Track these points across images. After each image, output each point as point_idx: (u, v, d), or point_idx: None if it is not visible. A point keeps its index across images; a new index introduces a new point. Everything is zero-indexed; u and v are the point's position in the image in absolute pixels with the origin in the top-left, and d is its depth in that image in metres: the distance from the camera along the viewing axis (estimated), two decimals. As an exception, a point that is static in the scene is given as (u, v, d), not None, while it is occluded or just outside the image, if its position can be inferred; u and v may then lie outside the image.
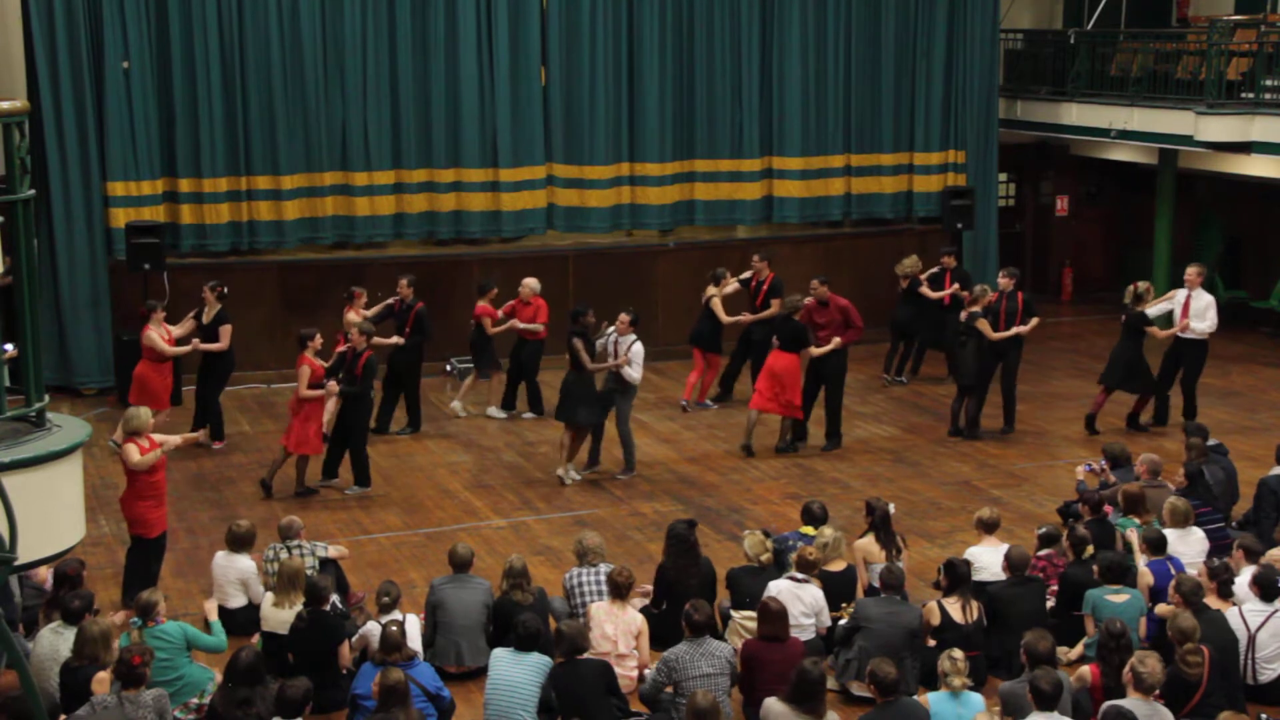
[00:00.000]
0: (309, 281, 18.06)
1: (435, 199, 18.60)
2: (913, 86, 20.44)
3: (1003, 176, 22.42)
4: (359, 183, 18.20)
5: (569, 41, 18.80)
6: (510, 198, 18.78)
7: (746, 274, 16.85)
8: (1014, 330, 15.22)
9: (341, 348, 13.94)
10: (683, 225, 19.83)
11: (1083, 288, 23.21)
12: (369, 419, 14.01)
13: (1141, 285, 15.67)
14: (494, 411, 16.44)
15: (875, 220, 20.76)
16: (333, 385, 13.44)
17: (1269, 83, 18.08)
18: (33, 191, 6.56)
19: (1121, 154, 21.74)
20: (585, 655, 8.95)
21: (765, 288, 16.52)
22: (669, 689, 9.02)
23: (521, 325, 16.01)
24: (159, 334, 14.53)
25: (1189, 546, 10.67)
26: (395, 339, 15.35)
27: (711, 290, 16.70)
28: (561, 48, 18.80)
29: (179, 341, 14.81)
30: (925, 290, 17.59)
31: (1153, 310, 15.68)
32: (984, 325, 15.12)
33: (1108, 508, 11.38)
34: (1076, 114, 20.92)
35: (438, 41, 18.25)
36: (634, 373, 13.90)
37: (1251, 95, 18.24)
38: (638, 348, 13.92)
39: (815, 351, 14.90)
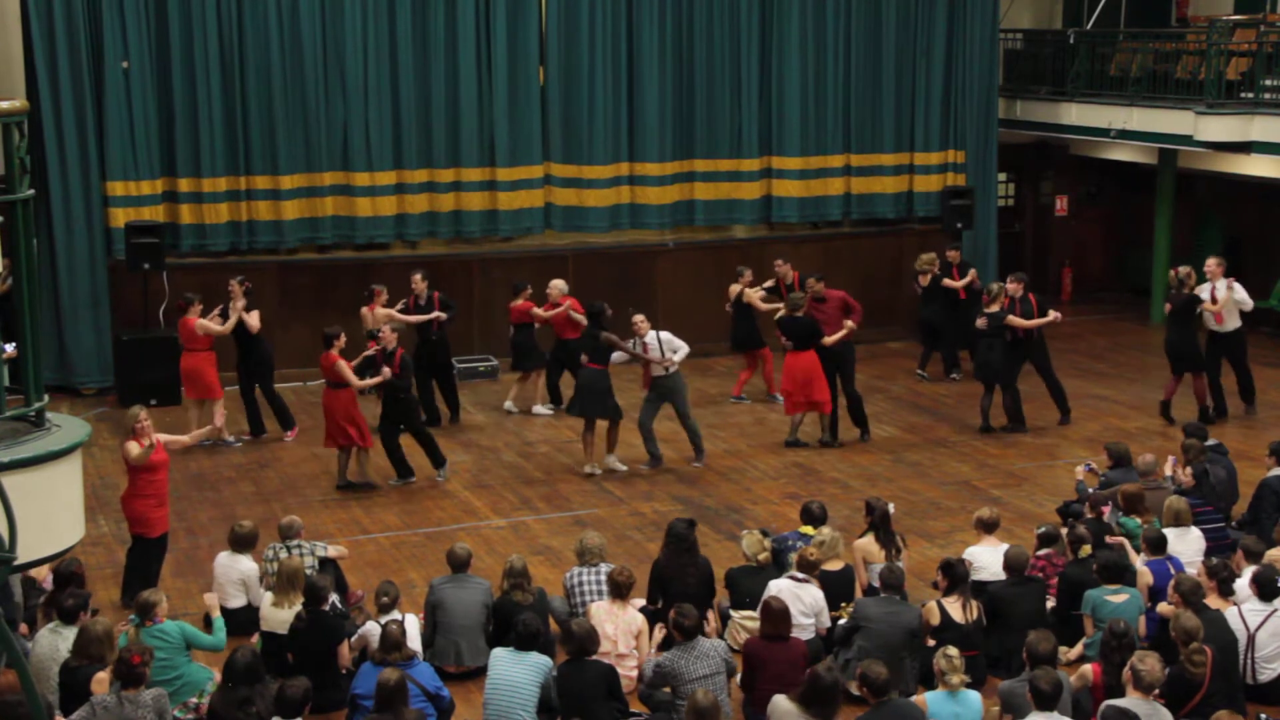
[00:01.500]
0: (309, 281, 18.07)
1: (435, 199, 18.61)
2: (913, 86, 20.44)
3: (1002, 176, 22.42)
4: (360, 183, 18.21)
5: (568, 41, 18.80)
6: (507, 197, 18.79)
7: (770, 282, 16.99)
8: (1042, 321, 15.41)
9: (371, 350, 13.97)
10: (682, 225, 19.84)
11: (1082, 288, 23.20)
12: (417, 412, 14.14)
13: (1183, 270, 15.79)
14: (540, 409, 16.52)
15: (875, 220, 20.77)
16: (386, 370, 13.55)
17: (1268, 83, 18.08)
18: (32, 191, 6.55)
19: (1121, 154, 21.74)
20: (590, 657, 8.95)
21: (796, 287, 16.67)
22: (666, 690, 9.03)
23: (575, 315, 15.82)
24: (208, 320, 14.88)
25: (1187, 546, 10.67)
26: (437, 314, 15.46)
27: (737, 287, 16.87)
28: (560, 47, 18.80)
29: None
30: (948, 281, 17.73)
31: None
32: (1014, 319, 15.23)
33: (1105, 509, 11.39)
34: (1076, 114, 20.92)
35: (437, 41, 18.25)
36: (679, 345, 14.20)
37: (1251, 95, 18.24)
38: (665, 334, 14.26)
39: (827, 341, 14.97)
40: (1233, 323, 15.71)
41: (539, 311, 16.13)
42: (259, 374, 15.39)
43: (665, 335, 14.27)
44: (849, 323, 15.14)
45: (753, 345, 17.03)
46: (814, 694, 8.17)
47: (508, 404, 16.63)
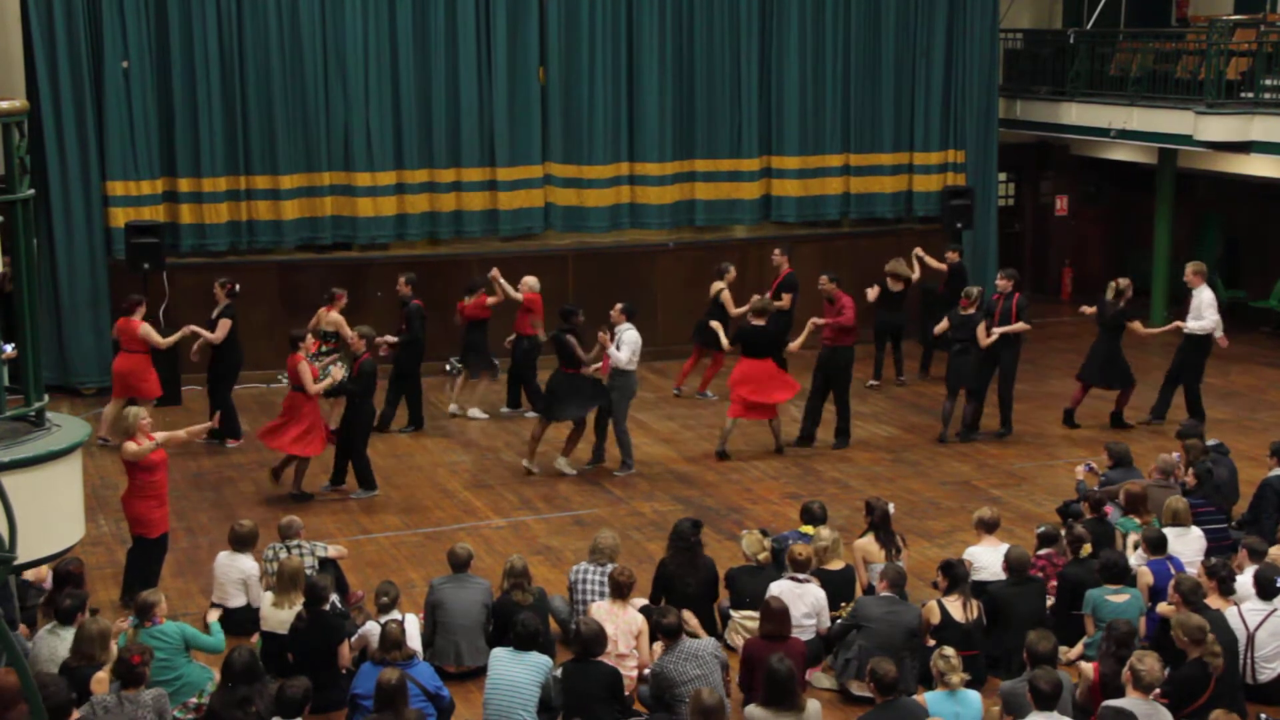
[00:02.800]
0: (309, 281, 18.05)
1: (436, 199, 18.61)
2: (912, 86, 20.43)
3: (1002, 176, 22.42)
4: (360, 183, 18.20)
5: (568, 41, 18.81)
6: (507, 197, 18.79)
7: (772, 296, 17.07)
8: (999, 331, 15.12)
9: (315, 354, 13.86)
10: (683, 225, 19.83)
11: (1082, 288, 23.15)
12: (370, 424, 13.95)
13: (1122, 282, 15.72)
14: (475, 413, 16.40)
15: (874, 220, 20.77)
16: (336, 372, 13.42)
17: (1268, 82, 18.08)
18: (32, 191, 6.56)
19: (1121, 154, 21.74)
20: (597, 659, 8.95)
21: (777, 281, 16.62)
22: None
23: (509, 287, 15.96)
24: (150, 326, 14.84)
25: (1186, 546, 10.68)
26: (386, 338, 15.26)
27: (719, 285, 16.83)
28: (560, 47, 18.80)
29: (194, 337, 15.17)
30: (924, 259, 17.80)
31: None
32: (980, 331, 15.10)
33: (1108, 508, 11.39)
34: (1076, 114, 20.92)
35: (437, 41, 18.25)
36: (621, 355, 13.86)
37: (1251, 95, 18.24)
38: (630, 334, 13.97)
39: (793, 347, 14.97)
40: (1199, 327, 15.47)
41: (469, 300, 16.02)
42: (222, 378, 15.20)
43: (629, 335, 13.96)
44: (793, 345, 15.01)
45: (717, 345, 16.96)
46: (774, 689, 8.18)
47: (452, 406, 16.49)
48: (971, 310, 15.20)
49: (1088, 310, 15.89)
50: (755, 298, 15.37)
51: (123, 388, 14.76)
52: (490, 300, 16.13)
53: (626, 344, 13.93)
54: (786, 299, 16.45)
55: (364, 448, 13.72)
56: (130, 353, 14.75)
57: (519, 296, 16.01)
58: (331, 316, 15.17)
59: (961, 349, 15.27)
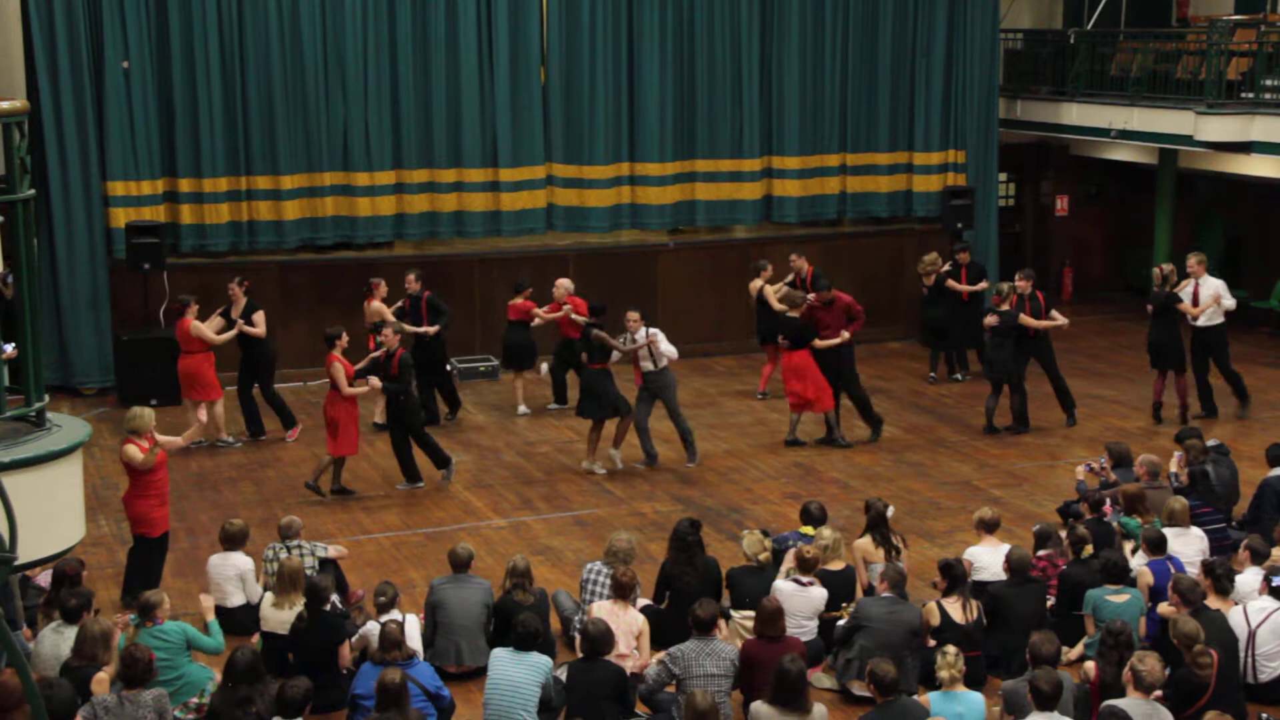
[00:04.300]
0: (309, 281, 18.07)
1: (436, 199, 18.60)
2: (912, 86, 20.43)
3: (1003, 176, 22.41)
4: (360, 183, 18.19)
5: (569, 41, 18.81)
6: (510, 198, 18.78)
7: (790, 276, 17.03)
8: (1051, 324, 15.50)
9: (374, 351, 13.94)
10: (683, 225, 19.84)
11: (1083, 288, 23.20)
12: (420, 412, 14.14)
13: (1166, 267, 15.92)
14: (524, 410, 16.50)
15: (875, 219, 20.77)
16: (375, 381, 13.46)
17: (1269, 83, 18.08)
18: (33, 191, 6.56)
19: (1121, 154, 21.73)
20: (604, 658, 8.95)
21: (809, 282, 16.70)
22: (671, 687, 9.04)
23: (576, 317, 15.89)
24: (205, 324, 14.91)
25: (1186, 546, 10.67)
26: (426, 329, 15.36)
27: (758, 282, 16.92)
28: (561, 48, 18.80)
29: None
30: (953, 284, 17.67)
31: None
32: (1027, 319, 15.29)
33: (1107, 508, 11.39)
34: (1076, 114, 20.91)
35: (438, 41, 18.25)
36: (668, 348, 14.15)
37: (1251, 95, 18.24)
38: (655, 331, 14.26)
39: (819, 344, 15.01)
40: (1213, 318, 15.69)
41: (540, 311, 16.14)
42: (259, 374, 15.40)
43: (655, 332, 14.25)
44: (845, 333, 15.12)
45: (774, 339, 17.10)
46: (784, 688, 8.18)
47: (521, 408, 16.58)
48: (1006, 306, 15.31)
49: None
50: (788, 293, 15.51)
51: (188, 389, 14.91)
52: (541, 316, 16.15)
53: (663, 338, 14.16)
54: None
55: (424, 434, 13.87)
56: (189, 353, 14.83)
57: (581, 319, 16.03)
58: (372, 307, 15.33)
59: (997, 344, 15.40)
